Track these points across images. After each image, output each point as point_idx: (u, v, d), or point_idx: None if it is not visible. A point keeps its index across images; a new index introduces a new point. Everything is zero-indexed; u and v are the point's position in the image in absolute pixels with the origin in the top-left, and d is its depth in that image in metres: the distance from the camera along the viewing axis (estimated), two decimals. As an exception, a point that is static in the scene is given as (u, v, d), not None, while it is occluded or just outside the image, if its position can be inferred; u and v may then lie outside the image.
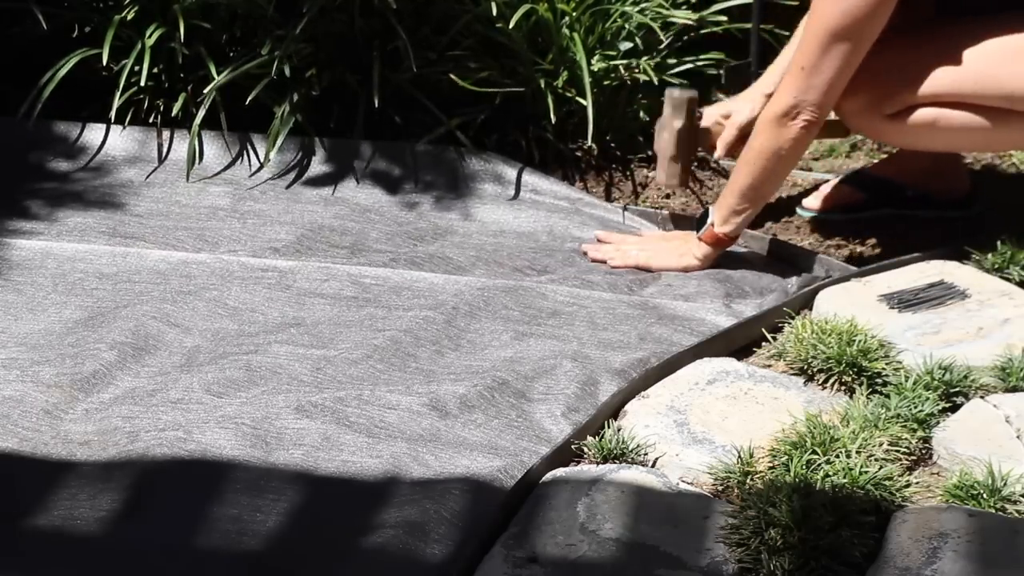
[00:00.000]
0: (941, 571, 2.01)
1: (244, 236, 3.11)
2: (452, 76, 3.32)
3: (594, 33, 3.45)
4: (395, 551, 2.11)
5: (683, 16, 3.49)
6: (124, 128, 3.44)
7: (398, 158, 3.38)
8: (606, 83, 3.45)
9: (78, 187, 3.31)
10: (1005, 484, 2.20)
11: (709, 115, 3.18)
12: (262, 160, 3.37)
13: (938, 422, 2.39)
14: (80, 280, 2.91)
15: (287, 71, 3.29)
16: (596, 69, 3.40)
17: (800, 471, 2.22)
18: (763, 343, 2.69)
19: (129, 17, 3.42)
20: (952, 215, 3.18)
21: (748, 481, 2.25)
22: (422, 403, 2.48)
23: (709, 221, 2.96)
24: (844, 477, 2.19)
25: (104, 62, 3.32)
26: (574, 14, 3.41)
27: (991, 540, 2.07)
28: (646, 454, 2.34)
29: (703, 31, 3.54)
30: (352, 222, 3.20)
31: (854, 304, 2.72)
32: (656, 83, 3.39)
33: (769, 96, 2.98)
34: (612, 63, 3.44)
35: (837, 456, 2.26)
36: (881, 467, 2.23)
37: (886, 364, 2.53)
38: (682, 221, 3.20)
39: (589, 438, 2.36)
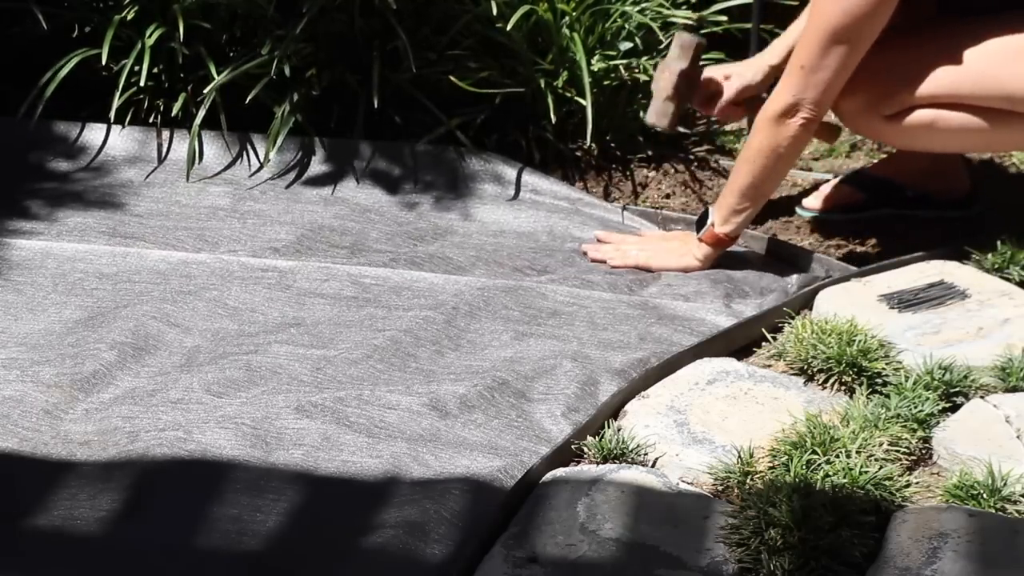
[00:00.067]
0: (941, 571, 2.01)
1: (244, 236, 3.11)
2: (452, 78, 3.32)
3: (594, 33, 3.45)
4: (395, 551, 2.11)
5: (683, 16, 3.49)
6: (124, 128, 3.44)
7: (398, 158, 3.38)
8: (606, 83, 3.45)
9: (78, 187, 3.30)
10: (1005, 484, 2.20)
11: (710, 72, 3.16)
12: (262, 160, 3.37)
13: (938, 422, 2.39)
14: (80, 280, 2.91)
15: (287, 71, 3.29)
16: (596, 69, 3.40)
17: (800, 471, 2.22)
18: (763, 343, 2.69)
19: (129, 17, 3.41)
20: (952, 215, 3.18)
21: (748, 481, 2.25)
22: (422, 403, 2.48)
23: (709, 222, 2.96)
24: (844, 477, 2.19)
25: (104, 62, 3.32)
26: (574, 14, 3.41)
27: (991, 540, 2.07)
28: (646, 454, 2.34)
29: (703, 31, 3.53)
30: (352, 222, 3.20)
31: (854, 304, 2.72)
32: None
33: (773, 68, 2.99)
34: (612, 63, 3.44)
35: (837, 456, 2.26)
36: (881, 467, 2.24)
37: (886, 364, 2.53)
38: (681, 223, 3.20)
39: (589, 438, 2.36)
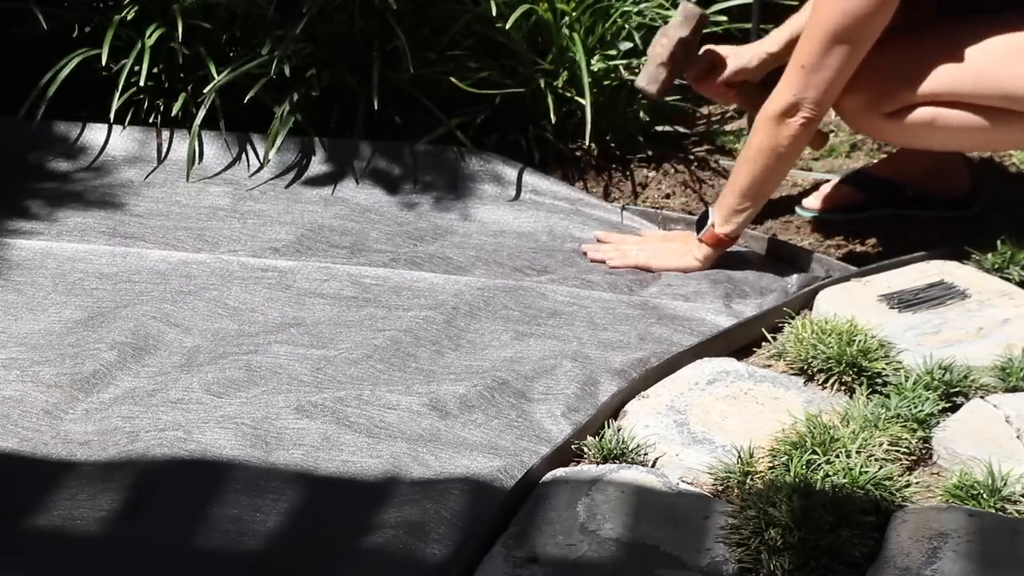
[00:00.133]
0: (941, 571, 2.01)
1: (244, 236, 3.11)
2: (452, 79, 3.32)
3: (594, 33, 3.45)
4: (395, 551, 2.11)
5: (683, 16, 3.49)
6: (124, 128, 3.44)
7: (398, 158, 3.38)
8: (606, 83, 3.45)
9: (78, 187, 3.31)
10: (1005, 484, 2.20)
11: (709, 49, 3.15)
12: (262, 160, 3.37)
13: (938, 422, 2.39)
14: (80, 280, 2.91)
15: (287, 71, 3.29)
16: (596, 69, 3.40)
17: (800, 471, 2.22)
18: (763, 343, 2.69)
19: (129, 17, 3.41)
20: (952, 215, 3.18)
21: (748, 481, 2.25)
22: (422, 403, 2.48)
23: (710, 222, 2.96)
24: (844, 477, 2.19)
25: (104, 62, 3.32)
26: (574, 14, 3.41)
27: (991, 540, 2.07)
28: (646, 454, 2.34)
29: (703, 31, 3.54)
30: (352, 222, 3.20)
31: (854, 304, 2.72)
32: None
33: (770, 55, 2.99)
34: (612, 63, 3.44)
35: (837, 456, 2.26)
36: (881, 467, 2.23)
37: (886, 364, 2.53)
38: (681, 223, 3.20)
39: (589, 438, 2.36)
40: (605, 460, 2.32)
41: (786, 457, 2.27)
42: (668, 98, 3.24)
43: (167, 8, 3.40)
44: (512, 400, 2.51)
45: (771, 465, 2.28)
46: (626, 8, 3.46)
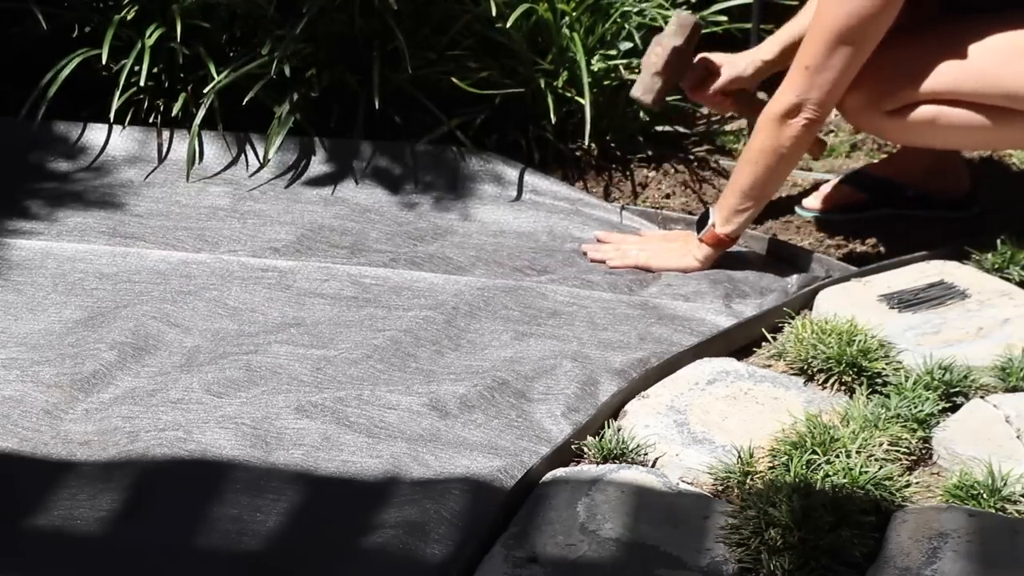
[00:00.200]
0: (941, 571, 2.01)
1: (244, 236, 3.11)
2: (452, 79, 3.32)
3: (594, 33, 3.45)
4: (395, 551, 2.11)
5: (683, 16, 3.49)
6: (124, 128, 3.44)
7: (398, 158, 3.38)
8: (606, 83, 3.45)
9: (78, 187, 3.31)
10: (1005, 484, 2.20)
11: (704, 57, 3.14)
12: (262, 160, 3.37)
13: (938, 422, 2.39)
14: (80, 280, 2.91)
15: (287, 71, 3.29)
16: (596, 69, 3.40)
17: (800, 471, 2.22)
18: (763, 343, 2.69)
19: (129, 17, 3.42)
20: (952, 215, 3.18)
21: (748, 481, 2.25)
22: (422, 403, 2.48)
23: (710, 222, 2.96)
24: (844, 477, 2.19)
25: (104, 62, 3.32)
26: (574, 14, 3.41)
27: (991, 540, 2.07)
28: (646, 454, 2.34)
29: (703, 31, 3.53)
30: (352, 222, 3.20)
31: (854, 304, 2.72)
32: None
33: (765, 63, 2.99)
34: (612, 63, 3.44)
35: (837, 456, 2.26)
36: (881, 467, 2.23)
37: (886, 364, 2.53)
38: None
39: (589, 438, 2.36)
40: (605, 460, 2.32)
41: (786, 457, 2.27)
42: (668, 98, 3.24)
43: (167, 8, 3.40)
44: (512, 400, 2.51)
45: (771, 465, 2.27)
46: (626, 8, 3.46)
